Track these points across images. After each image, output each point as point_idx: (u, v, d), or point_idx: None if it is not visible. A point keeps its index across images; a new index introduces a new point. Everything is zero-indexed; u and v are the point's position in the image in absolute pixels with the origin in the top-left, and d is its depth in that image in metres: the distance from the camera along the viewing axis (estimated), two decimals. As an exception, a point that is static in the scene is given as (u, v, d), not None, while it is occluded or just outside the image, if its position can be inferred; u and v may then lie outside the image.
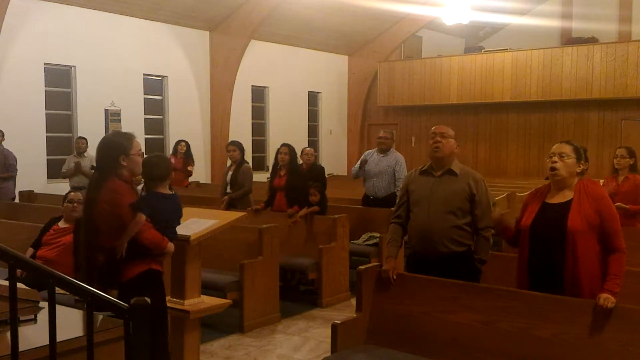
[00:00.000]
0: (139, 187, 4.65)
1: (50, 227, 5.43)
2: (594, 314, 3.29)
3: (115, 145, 3.74)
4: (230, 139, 13.65)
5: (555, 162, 3.53)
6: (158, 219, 3.74)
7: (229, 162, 8.00)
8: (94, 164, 3.96)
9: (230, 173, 7.71)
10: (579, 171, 3.57)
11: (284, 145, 7.43)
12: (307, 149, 8.45)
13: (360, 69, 17.37)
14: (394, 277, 4.01)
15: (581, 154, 3.60)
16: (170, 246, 3.79)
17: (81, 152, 9.75)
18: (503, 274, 4.17)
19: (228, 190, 7.65)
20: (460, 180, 4.07)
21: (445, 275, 3.90)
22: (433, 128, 4.22)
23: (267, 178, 7.90)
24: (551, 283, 3.50)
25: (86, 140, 9.87)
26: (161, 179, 3.88)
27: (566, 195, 3.54)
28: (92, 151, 9.43)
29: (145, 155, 4.00)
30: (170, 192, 3.93)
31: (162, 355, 3.75)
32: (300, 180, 7.28)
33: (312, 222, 6.99)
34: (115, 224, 3.61)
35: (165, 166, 3.94)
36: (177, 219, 3.90)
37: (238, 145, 7.70)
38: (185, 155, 10.72)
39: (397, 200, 4.48)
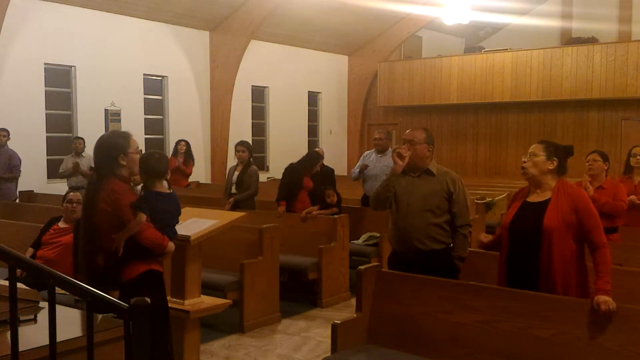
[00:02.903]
0: (138, 187, 4.64)
1: (50, 227, 5.44)
2: (593, 314, 3.29)
3: (113, 145, 3.72)
4: (230, 139, 13.72)
5: (525, 162, 3.70)
6: (157, 218, 3.74)
7: (233, 162, 8.00)
8: (92, 165, 3.96)
9: (236, 173, 7.67)
10: (551, 168, 3.65)
11: (322, 157, 7.79)
12: (318, 149, 8.49)
13: (360, 69, 17.37)
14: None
15: (551, 151, 3.68)
16: (171, 245, 3.79)
17: (79, 153, 9.75)
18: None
19: (233, 190, 7.63)
20: (438, 180, 4.19)
21: (424, 273, 3.98)
22: (405, 133, 4.31)
23: (268, 178, 7.91)
24: (527, 279, 3.58)
25: (84, 140, 9.87)
26: (160, 175, 3.87)
27: (545, 195, 3.65)
28: (90, 151, 9.45)
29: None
30: (169, 191, 3.93)
31: (164, 356, 3.75)
32: (322, 182, 7.52)
33: (312, 222, 6.99)
34: (116, 224, 3.61)
35: (165, 163, 3.95)
36: (175, 217, 3.89)
37: (247, 146, 7.71)
38: (185, 154, 10.67)
39: None
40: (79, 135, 10.50)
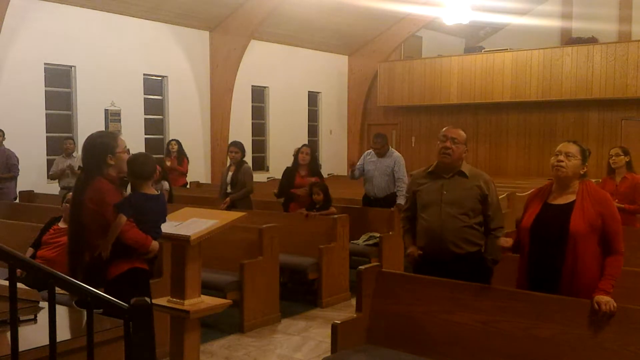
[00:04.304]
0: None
1: (50, 227, 5.44)
2: (594, 314, 3.29)
3: (101, 145, 3.75)
4: (230, 139, 13.69)
5: (562, 160, 3.51)
6: (142, 219, 3.78)
7: (227, 162, 8.02)
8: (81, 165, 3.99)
9: (230, 174, 7.70)
10: (582, 173, 3.57)
11: (305, 145, 7.68)
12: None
13: (360, 69, 17.37)
14: (418, 257, 4.13)
15: (586, 157, 3.59)
16: (155, 245, 3.82)
17: (70, 153, 9.74)
18: (505, 274, 4.16)
19: (228, 190, 7.65)
20: (471, 182, 4.08)
21: (458, 276, 3.88)
22: (444, 130, 4.16)
23: (268, 178, 7.94)
24: (549, 283, 3.51)
25: (74, 141, 9.90)
26: (145, 178, 3.91)
27: (568, 197, 3.54)
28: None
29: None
30: (155, 193, 3.95)
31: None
32: (322, 181, 7.47)
33: (312, 222, 6.98)
34: (101, 223, 3.66)
35: (151, 165, 3.97)
36: (161, 219, 3.92)
37: (240, 147, 7.72)
38: (178, 153, 10.70)
39: (404, 202, 4.54)
40: (80, 135, 10.52)
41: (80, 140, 10.51)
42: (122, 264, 3.72)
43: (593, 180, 6.04)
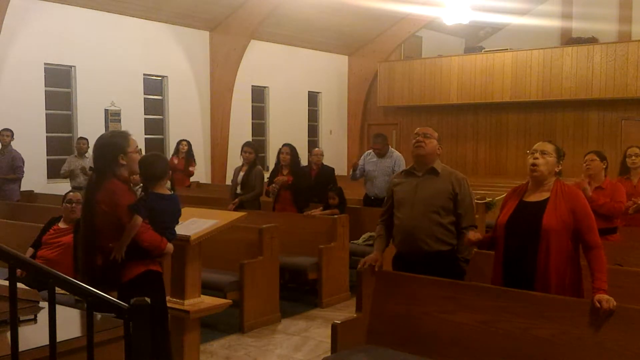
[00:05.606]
0: (137, 188, 4.64)
1: (50, 227, 5.44)
2: (594, 314, 3.29)
3: (112, 145, 3.72)
4: (230, 139, 13.73)
5: (537, 158, 3.61)
6: (156, 220, 3.73)
7: (233, 162, 8.04)
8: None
9: (241, 174, 7.70)
10: (557, 171, 3.66)
11: (285, 145, 7.66)
12: (317, 149, 8.55)
13: (360, 69, 17.37)
14: (377, 269, 4.11)
15: (561, 155, 3.69)
16: (170, 247, 3.79)
17: (82, 153, 9.72)
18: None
19: (238, 190, 7.65)
20: (442, 179, 4.15)
21: (429, 275, 3.95)
22: (417, 129, 4.31)
23: (268, 178, 7.95)
24: (523, 278, 3.57)
25: (87, 140, 9.86)
26: (158, 178, 3.87)
27: (543, 195, 3.62)
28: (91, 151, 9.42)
29: (143, 154, 3.99)
30: (169, 193, 3.92)
31: (164, 356, 3.74)
32: (304, 180, 7.49)
33: (312, 222, 6.99)
34: (114, 225, 3.61)
35: (162, 165, 3.93)
36: (175, 219, 3.88)
37: (254, 147, 7.76)
38: (187, 154, 10.69)
39: (383, 204, 4.49)
40: (80, 135, 10.50)
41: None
42: (136, 266, 3.67)
43: (614, 180, 5.95)
